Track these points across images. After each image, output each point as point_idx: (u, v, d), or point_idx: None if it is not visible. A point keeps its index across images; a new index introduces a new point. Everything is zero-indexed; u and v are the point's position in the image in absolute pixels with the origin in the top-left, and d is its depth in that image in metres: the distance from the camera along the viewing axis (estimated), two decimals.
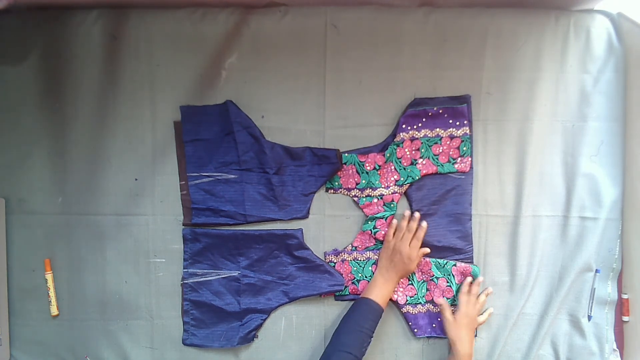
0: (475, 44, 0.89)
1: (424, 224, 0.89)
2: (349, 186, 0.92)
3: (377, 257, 0.93)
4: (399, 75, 0.90)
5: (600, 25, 0.90)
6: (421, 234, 0.89)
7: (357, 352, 0.77)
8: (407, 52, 0.90)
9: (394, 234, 0.90)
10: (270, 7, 0.89)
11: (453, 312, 0.88)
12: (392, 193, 0.92)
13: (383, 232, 0.91)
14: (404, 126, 0.90)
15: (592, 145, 0.91)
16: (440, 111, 0.90)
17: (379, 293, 0.85)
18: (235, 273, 0.93)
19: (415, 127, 0.90)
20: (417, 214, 0.90)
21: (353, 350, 0.77)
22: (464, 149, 0.91)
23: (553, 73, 0.90)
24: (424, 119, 0.90)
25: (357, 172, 0.92)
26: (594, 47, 0.90)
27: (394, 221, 0.90)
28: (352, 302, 0.87)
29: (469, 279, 0.90)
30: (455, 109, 0.90)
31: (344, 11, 0.89)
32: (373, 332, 0.81)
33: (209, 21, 0.89)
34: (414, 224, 0.89)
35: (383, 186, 0.92)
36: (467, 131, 0.90)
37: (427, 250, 0.90)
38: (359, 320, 0.81)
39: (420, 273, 0.93)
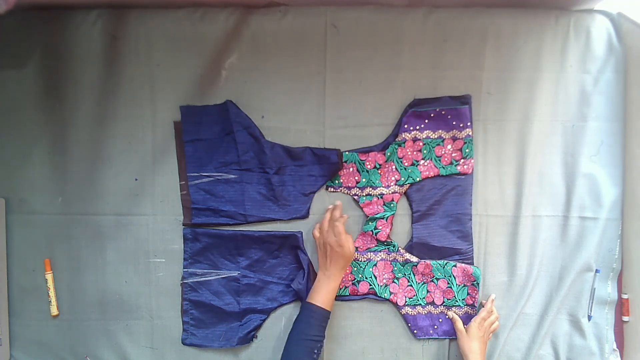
0: (475, 44, 0.89)
1: (338, 202, 0.88)
2: (350, 184, 0.92)
3: (378, 258, 0.93)
4: (399, 75, 0.90)
5: (600, 25, 0.90)
6: (337, 213, 0.87)
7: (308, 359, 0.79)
8: (407, 52, 0.89)
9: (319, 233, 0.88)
10: (270, 7, 0.89)
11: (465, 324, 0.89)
12: (393, 192, 0.91)
13: (384, 233, 0.91)
14: (406, 126, 0.90)
15: (592, 145, 0.91)
16: (443, 112, 0.89)
17: (321, 295, 0.84)
18: (235, 273, 0.93)
19: (417, 127, 0.90)
20: (337, 202, 0.88)
21: (303, 359, 0.78)
22: (467, 150, 0.90)
23: (553, 73, 0.90)
24: (426, 120, 0.90)
25: (357, 170, 0.92)
26: (594, 47, 0.90)
27: (317, 225, 0.88)
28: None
29: (493, 295, 0.91)
30: (457, 110, 0.89)
31: (344, 11, 0.89)
32: (322, 335, 0.82)
33: (209, 21, 0.89)
34: (329, 214, 0.87)
35: (384, 185, 0.92)
36: (470, 133, 0.90)
37: (351, 237, 0.87)
38: (304, 329, 0.81)
39: (420, 275, 0.93)
